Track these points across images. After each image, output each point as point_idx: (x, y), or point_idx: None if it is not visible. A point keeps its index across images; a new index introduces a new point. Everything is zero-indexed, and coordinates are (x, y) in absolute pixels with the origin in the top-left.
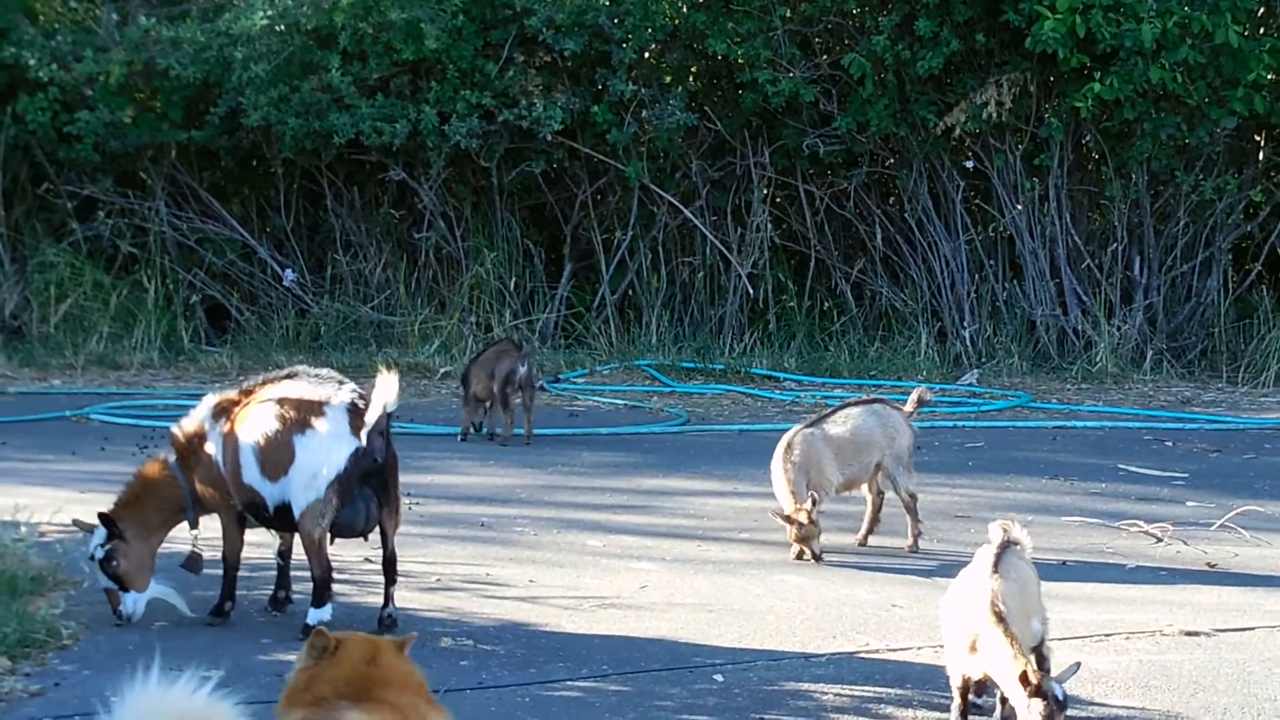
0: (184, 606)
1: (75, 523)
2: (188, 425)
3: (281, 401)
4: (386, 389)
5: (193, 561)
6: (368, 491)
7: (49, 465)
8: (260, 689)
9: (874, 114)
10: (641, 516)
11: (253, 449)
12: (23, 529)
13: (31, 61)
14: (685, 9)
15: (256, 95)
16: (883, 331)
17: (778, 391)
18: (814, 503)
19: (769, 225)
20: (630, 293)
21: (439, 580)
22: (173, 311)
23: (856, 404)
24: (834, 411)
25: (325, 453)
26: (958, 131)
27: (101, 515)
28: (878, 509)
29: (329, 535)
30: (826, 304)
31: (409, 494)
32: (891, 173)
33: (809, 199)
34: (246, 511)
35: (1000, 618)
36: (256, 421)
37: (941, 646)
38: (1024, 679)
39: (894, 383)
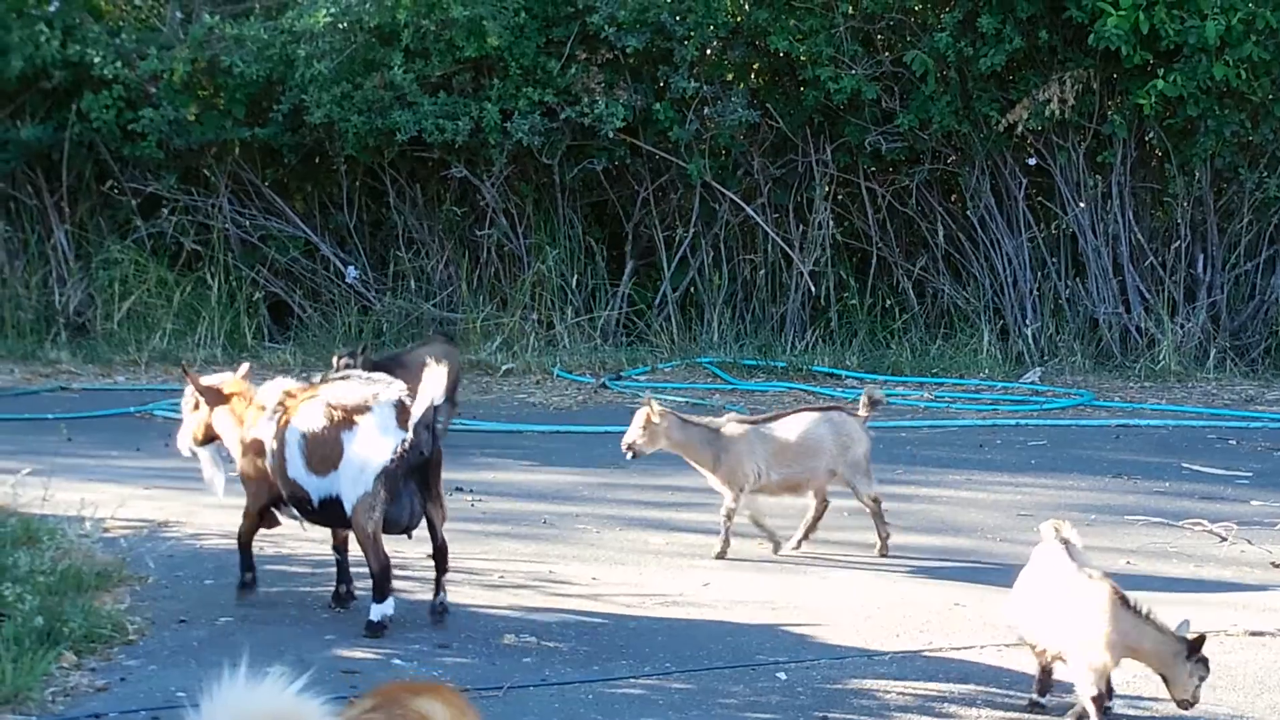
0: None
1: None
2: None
3: (330, 398)
4: (434, 383)
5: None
6: (412, 486)
7: (113, 461)
8: (326, 685)
9: (936, 111)
10: (704, 514)
11: (299, 444)
12: (88, 524)
13: (96, 59)
14: (747, 6)
15: (319, 93)
16: (944, 329)
17: (840, 389)
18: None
19: (831, 222)
20: (692, 290)
21: (502, 577)
22: (236, 308)
23: (811, 409)
24: (789, 413)
25: (372, 446)
26: (1020, 129)
27: None
28: (818, 516)
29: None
30: (888, 301)
31: (471, 491)
32: (954, 170)
33: (871, 196)
34: (291, 504)
35: (1125, 601)
36: (306, 417)
37: (1005, 646)
38: (1195, 645)
39: (956, 380)
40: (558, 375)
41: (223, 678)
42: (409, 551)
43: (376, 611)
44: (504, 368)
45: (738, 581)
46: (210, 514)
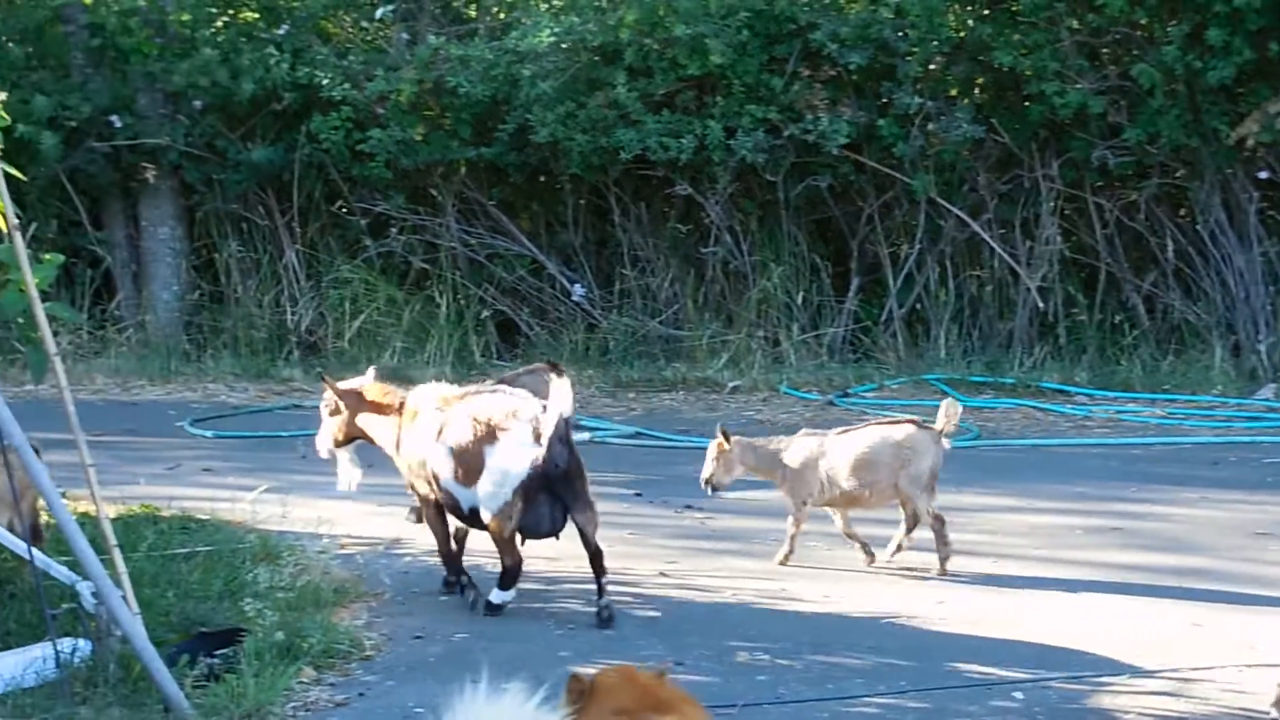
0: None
1: None
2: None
3: (476, 412)
4: (562, 397)
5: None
6: (553, 497)
7: None
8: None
9: (1164, 125)
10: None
11: (449, 455)
12: (324, 541)
13: (325, 81)
14: (971, 21)
15: (544, 112)
16: (1175, 345)
17: (1069, 406)
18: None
19: (1058, 238)
20: (918, 306)
21: (734, 595)
22: (464, 326)
23: (882, 423)
24: (857, 428)
25: (511, 461)
26: (1251, 142)
27: None
28: (910, 528)
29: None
30: (1118, 317)
31: (702, 509)
32: (1183, 184)
33: (1098, 211)
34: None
35: None
36: (456, 429)
37: (1246, 666)
38: None
39: (1188, 396)
40: (784, 392)
41: (463, 691)
42: (640, 569)
43: (498, 595)
44: (730, 385)
45: (970, 600)
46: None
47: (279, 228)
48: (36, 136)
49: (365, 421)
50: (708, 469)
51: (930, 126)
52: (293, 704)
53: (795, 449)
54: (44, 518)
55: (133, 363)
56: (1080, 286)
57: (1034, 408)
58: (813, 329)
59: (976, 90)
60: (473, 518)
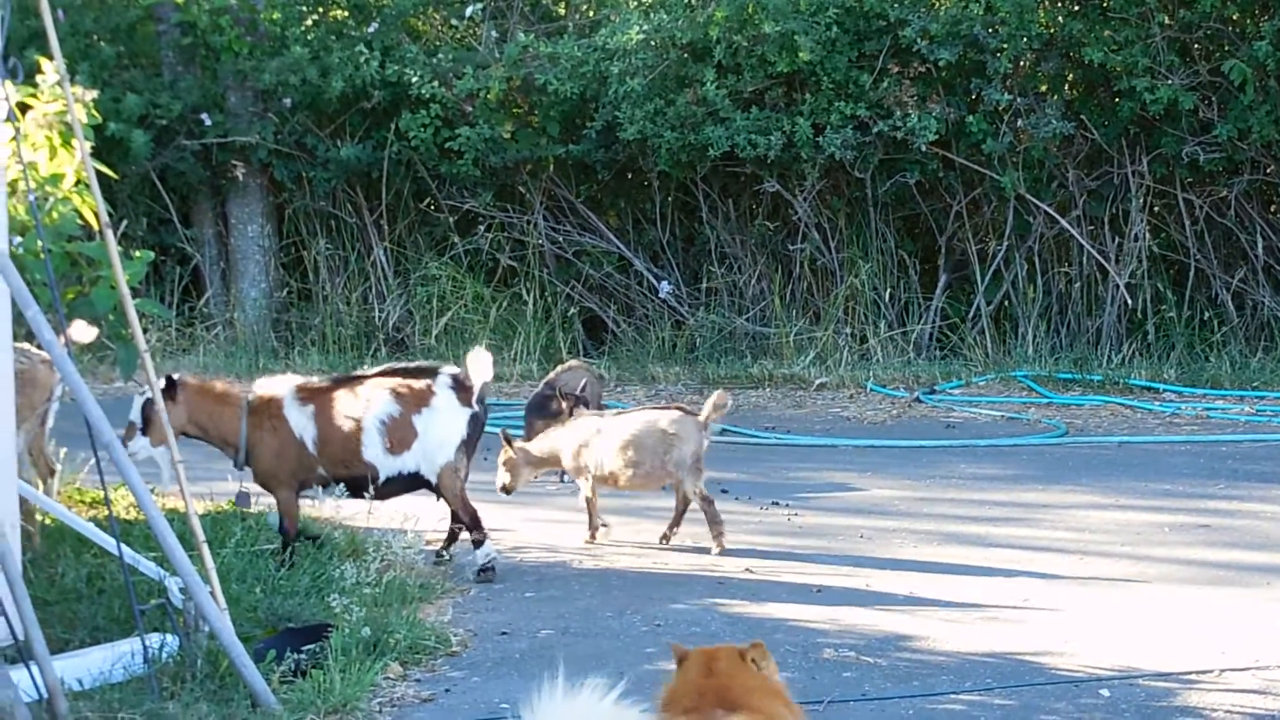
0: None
1: None
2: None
3: (395, 387)
4: (482, 365)
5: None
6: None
7: None
8: (648, 698)
9: (1255, 121)
10: (1022, 529)
11: (379, 429)
12: (410, 536)
13: (414, 79)
14: (1061, 18)
15: (633, 109)
16: (1265, 342)
17: (1157, 403)
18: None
19: (1147, 234)
20: (1006, 303)
21: (819, 591)
22: (551, 323)
23: (650, 409)
24: (628, 412)
25: (450, 421)
26: None
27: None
28: (681, 511)
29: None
30: (1206, 314)
31: (788, 505)
32: (1274, 180)
33: (1188, 207)
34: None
35: None
36: (380, 404)
37: None
38: None
39: (1277, 394)
40: (871, 389)
41: (541, 688)
42: (726, 565)
43: (482, 556)
44: (817, 382)
45: (1057, 597)
46: (530, 528)
47: (367, 225)
48: (127, 135)
49: (205, 416)
50: (500, 478)
51: (1019, 123)
52: (379, 700)
53: (572, 432)
54: (134, 514)
55: (221, 360)
56: (1169, 283)
57: (1122, 405)
58: (900, 326)
59: (1066, 86)
60: (392, 486)
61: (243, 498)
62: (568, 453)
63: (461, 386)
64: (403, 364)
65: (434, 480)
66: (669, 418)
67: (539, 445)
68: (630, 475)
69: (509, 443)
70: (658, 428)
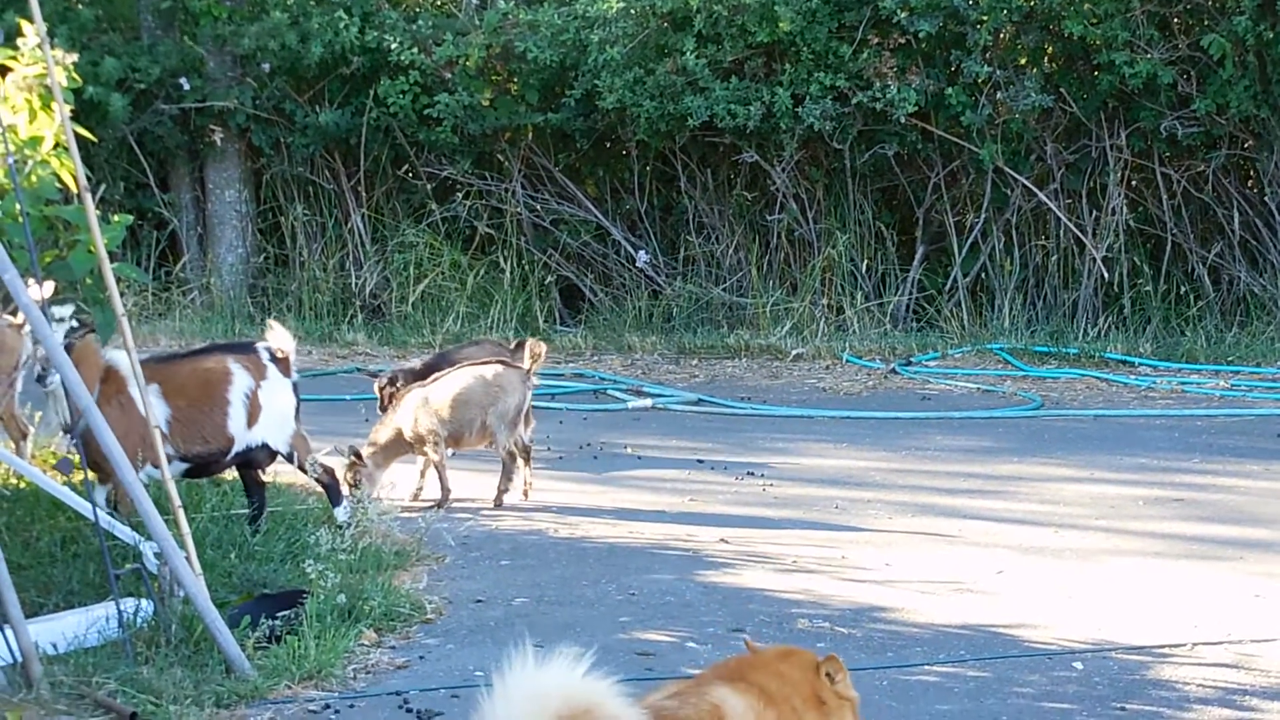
0: None
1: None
2: None
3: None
4: (284, 336)
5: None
6: None
7: None
8: (620, 667)
9: (1234, 96)
10: (996, 501)
11: (243, 403)
12: (385, 504)
13: (393, 45)
14: None
15: (612, 78)
16: (1241, 316)
17: (1133, 377)
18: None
19: (1124, 208)
20: (983, 276)
21: (795, 562)
22: (528, 291)
23: (474, 364)
24: (450, 371)
25: (286, 395)
26: None
27: None
28: (506, 469)
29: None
30: (1183, 288)
31: (763, 475)
32: (1251, 155)
33: (1166, 181)
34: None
35: None
36: (241, 382)
37: None
38: None
39: (1253, 369)
40: (847, 360)
41: (513, 658)
42: (701, 535)
43: (341, 514)
44: (794, 353)
45: (1031, 570)
46: (506, 496)
47: (345, 192)
48: (105, 98)
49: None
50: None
51: (999, 95)
52: (353, 666)
53: (402, 410)
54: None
55: (197, 325)
56: (1146, 257)
57: (1097, 378)
58: (876, 297)
59: (1046, 59)
60: (252, 456)
61: (65, 464)
62: (406, 428)
63: (276, 359)
64: (224, 341)
65: (286, 450)
66: (492, 370)
67: (380, 436)
68: (469, 434)
69: (358, 456)
70: (483, 380)
